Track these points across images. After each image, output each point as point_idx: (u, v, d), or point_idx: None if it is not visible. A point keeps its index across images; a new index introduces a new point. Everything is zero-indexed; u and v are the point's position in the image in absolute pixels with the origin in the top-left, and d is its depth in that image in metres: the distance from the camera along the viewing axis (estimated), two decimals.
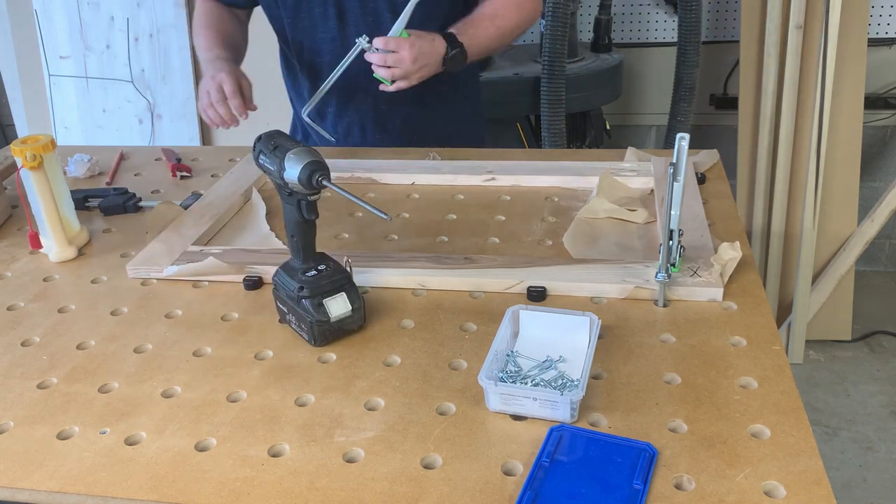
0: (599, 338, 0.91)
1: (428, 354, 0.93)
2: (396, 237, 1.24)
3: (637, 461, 0.74)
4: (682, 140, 0.88)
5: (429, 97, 1.58)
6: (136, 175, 1.56)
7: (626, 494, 0.71)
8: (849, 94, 2.41)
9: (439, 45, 1.40)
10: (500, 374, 0.86)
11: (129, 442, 0.82)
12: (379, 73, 1.37)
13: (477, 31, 1.47)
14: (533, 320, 0.94)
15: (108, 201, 1.38)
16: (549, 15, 2.29)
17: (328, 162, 0.91)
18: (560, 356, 0.89)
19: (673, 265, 0.98)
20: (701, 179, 1.35)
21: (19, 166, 1.17)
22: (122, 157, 1.64)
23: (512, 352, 0.91)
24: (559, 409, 0.80)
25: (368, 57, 1.37)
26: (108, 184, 1.52)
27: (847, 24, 2.30)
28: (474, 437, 0.80)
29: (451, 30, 1.45)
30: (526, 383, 0.85)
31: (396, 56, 1.35)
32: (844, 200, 2.53)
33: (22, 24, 2.94)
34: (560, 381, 0.85)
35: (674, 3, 2.64)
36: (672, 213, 0.93)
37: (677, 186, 0.91)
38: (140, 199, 1.40)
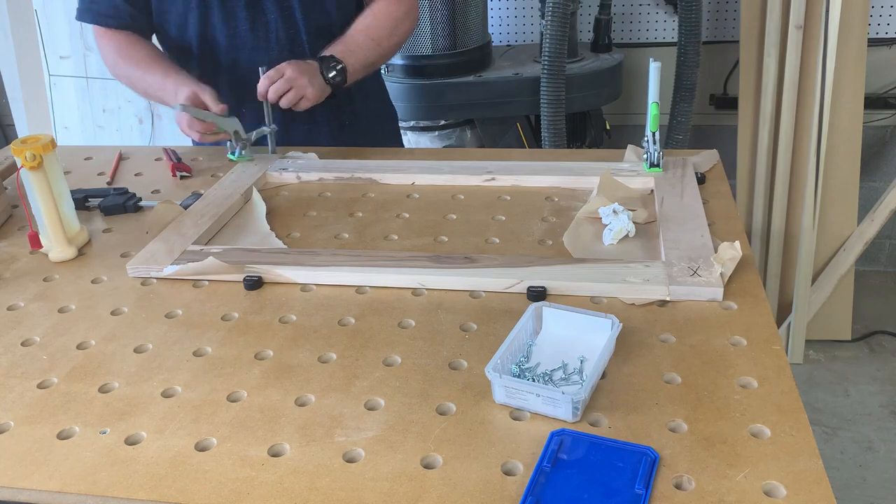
0: None
1: (428, 354, 0.93)
2: (396, 237, 1.24)
3: (639, 466, 0.74)
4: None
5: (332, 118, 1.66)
6: (136, 175, 1.56)
7: (628, 499, 0.70)
8: (849, 94, 2.41)
9: (314, 66, 1.48)
10: (512, 367, 0.87)
11: (130, 442, 0.82)
12: (282, 103, 1.46)
13: (353, 48, 1.54)
14: (555, 318, 0.94)
15: (108, 201, 1.38)
16: (549, 15, 2.29)
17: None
18: (581, 356, 0.90)
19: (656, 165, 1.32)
20: (701, 179, 1.35)
21: (19, 166, 1.17)
22: (121, 157, 1.64)
23: (529, 347, 0.91)
24: (560, 408, 0.80)
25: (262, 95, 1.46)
26: (108, 184, 1.52)
27: (847, 24, 2.30)
28: (474, 436, 0.80)
29: (327, 52, 1.51)
30: (535, 379, 0.85)
31: (283, 78, 1.43)
32: (844, 200, 2.53)
33: (22, 24, 2.94)
34: (567, 380, 0.86)
35: (674, 3, 2.64)
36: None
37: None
38: (140, 199, 1.40)
